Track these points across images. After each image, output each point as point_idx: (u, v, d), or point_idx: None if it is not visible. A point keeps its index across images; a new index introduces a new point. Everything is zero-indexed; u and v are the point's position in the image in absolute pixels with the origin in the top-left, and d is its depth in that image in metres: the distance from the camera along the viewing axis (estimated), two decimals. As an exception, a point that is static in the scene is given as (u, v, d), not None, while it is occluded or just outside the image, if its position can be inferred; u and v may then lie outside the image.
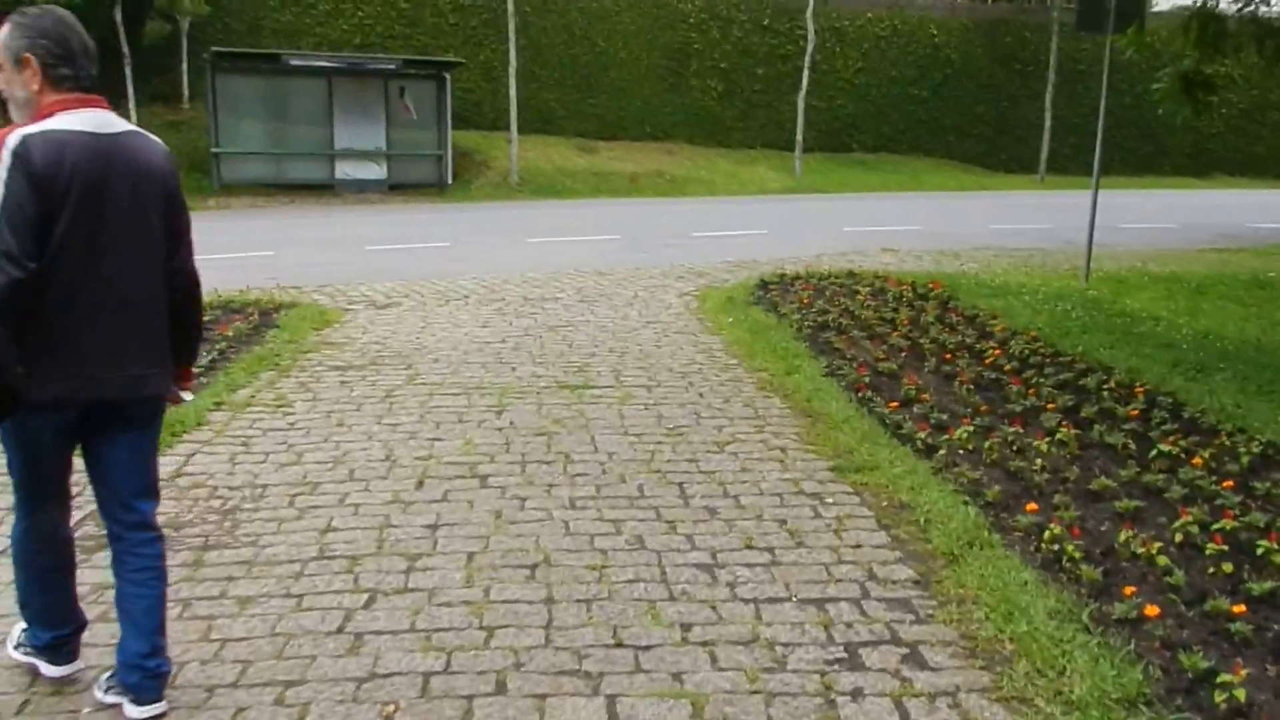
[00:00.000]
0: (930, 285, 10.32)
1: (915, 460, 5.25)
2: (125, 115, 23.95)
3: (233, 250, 14.68)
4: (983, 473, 5.07)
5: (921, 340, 8.03)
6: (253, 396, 6.60)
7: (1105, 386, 6.56)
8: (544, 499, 4.82)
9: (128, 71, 23.36)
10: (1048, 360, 7.39)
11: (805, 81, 28.21)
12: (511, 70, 25.59)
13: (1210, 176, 33.16)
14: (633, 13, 29.58)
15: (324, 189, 24.63)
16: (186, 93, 26.32)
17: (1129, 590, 3.79)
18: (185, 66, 25.99)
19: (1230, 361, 7.53)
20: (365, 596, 3.88)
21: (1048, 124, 30.42)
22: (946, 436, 5.58)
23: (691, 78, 30.17)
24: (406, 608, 3.79)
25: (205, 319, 8.25)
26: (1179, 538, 4.28)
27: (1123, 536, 4.24)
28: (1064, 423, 5.79)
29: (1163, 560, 4.01)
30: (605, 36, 29.39)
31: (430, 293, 10.83)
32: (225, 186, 23.65)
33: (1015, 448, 5.45)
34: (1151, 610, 3.59)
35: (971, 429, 5.60)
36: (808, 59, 28.24)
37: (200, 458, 5.43)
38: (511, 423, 6.00)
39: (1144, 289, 10.84)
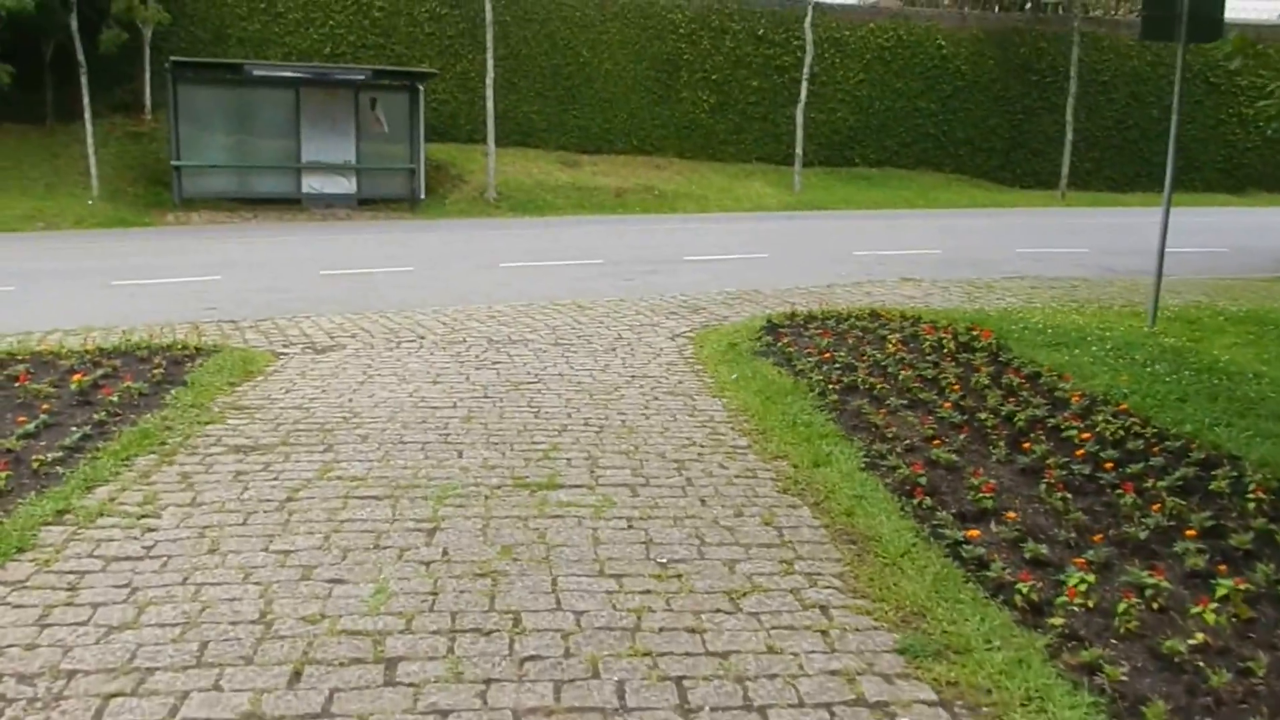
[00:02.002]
0: (973, 330, 8.71)
1: (1019, 633, 3.61)
2: (80, 126, 22.61)
3: (177, 273, 13.12)
4: (1128, 666, 3.42)
5: (980, 412, 6.39)
6: (112, 499, 4.94)
7: (1248, 493, 4.92)
8: (475, 712, 3.17)
9: (84, 81, 21.68)
10: (1151, 445, 5.76)
11: (804, 94, 26.69)
12: (489, 81, 24.08)
13: (1247, 193, 31.52)
14: (619, 22, 28.03)
15: (290, 204, 23.06)
16: (148, 103, 24.64)
17: None
18: (148, 76, 24.34)
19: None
20: None
21: (1069, 137, 28.86)
22: (1056, 590, 3.94)
23: (682, 89, 28.61)
24: None
25: (99, 373, 6.78)
26: None
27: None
28: (1217, 563, 4.15)
29: None
30: (590, 47, 27.84)
31: (381, 331, 9.22)
32: (186, 201, 22.08)
33: (1158, 605, 3.82)
34: None
35: (1090, 576, 3.95)
36: (806, 70, 26.75)
37: (-10, 619, 3.78)
38: (445, 552, 4.33)
39: (1222, 332, 9.24)
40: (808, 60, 26.83)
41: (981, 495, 4.91)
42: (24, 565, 4.22)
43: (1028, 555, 4.26)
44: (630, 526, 4.65)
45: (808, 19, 26.81)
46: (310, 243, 17.67)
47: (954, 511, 4.80)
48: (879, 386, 6.95)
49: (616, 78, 28.07)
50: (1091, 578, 3.92)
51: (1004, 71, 30.62)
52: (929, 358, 7.92)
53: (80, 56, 21.58)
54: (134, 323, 9.62)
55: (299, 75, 23.15)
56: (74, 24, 21.48)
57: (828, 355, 7.84)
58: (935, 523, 4.64)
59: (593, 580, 4.06)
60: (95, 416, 6.13)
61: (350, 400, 6.83)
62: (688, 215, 23.98)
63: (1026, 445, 5.72)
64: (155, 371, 7.26)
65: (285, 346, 8.59)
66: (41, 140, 23.36)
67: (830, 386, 6.94)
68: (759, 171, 28.40)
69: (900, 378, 7.19)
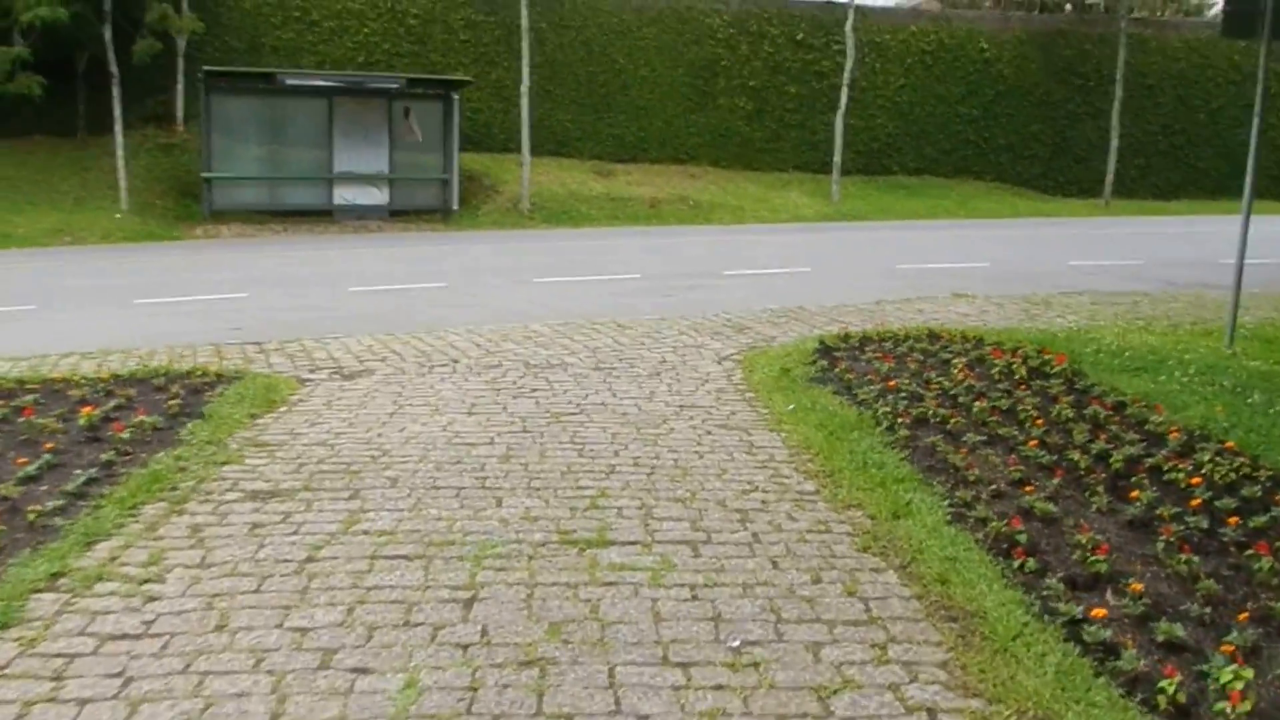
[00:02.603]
0: (1044, 353, 8.08)
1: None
2: (111, 138, 22.34)
3: (202, 290, 12.70)
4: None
5: (1069, 450, 5.78)
6: (113, 559, 4.44)
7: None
8: None
9: (116, 92, 21.39)
10: (1271, 492, 5.14)
11: (844, 100, 26.06)
12: (524, 89, 23.62)
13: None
14: (655, 28, 27.50)
15: (321, 215, 22.68)
16: (181, 114, 24.37)
17: None
18: (181, 87, 24.08)
19: None
20: None
21: (1114, 143, 28.08)
22: (1202, 685, 3.34)
23: (718, 96, 28.04)
24: None
25: (110, 405, 6.28)
26: None
27: None
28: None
29: None
30: (625, 53, 27.33)
31: (412, 354, 8.71)
32: (216, 213, 21.73)
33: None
34: None
35: (1245, 671, 3.35)
36: (847, 75, 26.11)
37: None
38: (484, 631, 3.78)
39: (1311, 354, 8.59)
40: (849, 65, 26.20)
41: (1094, 558, 4.31)
42: (7, 645, 3.70)
43: (1160, 638, 3.66)
44: (694, 597, 4.08)
45: (849, 22, 26.19)
46: (341, 257, 17.24)
47: (1062, 576, 4.21)
48: (952, 420, 6.35)
49: (652, 85, 27.55)
50: (1248, 673, 3.32)
51: (1047, 75, 29.86)
52: (1000, 385, 7.30)
53: (113, 67, 21.32)
54: (155, 344, 9.18)
55: (332, 84, 22.79)
56: (107, 34, 21.22)
57: (889, 381, 7.24)
58: (1044, 592, 4.05)
59: (655, 671, 3.50)
60: (103, 456, 5.64)
61: (379, 435, 6.30)
62: (724, 226, 23.42)
63: (1133, 494, 5.11)
64: (171, 403, 6.76)
65: (311, 372, 8.09)
66: (72, 153, 23.10)
67: (899, 420, 6.34)
68: (795, 181, 27.79)
69: (974, 410, 6.58)
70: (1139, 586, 4.05)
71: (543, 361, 8.39)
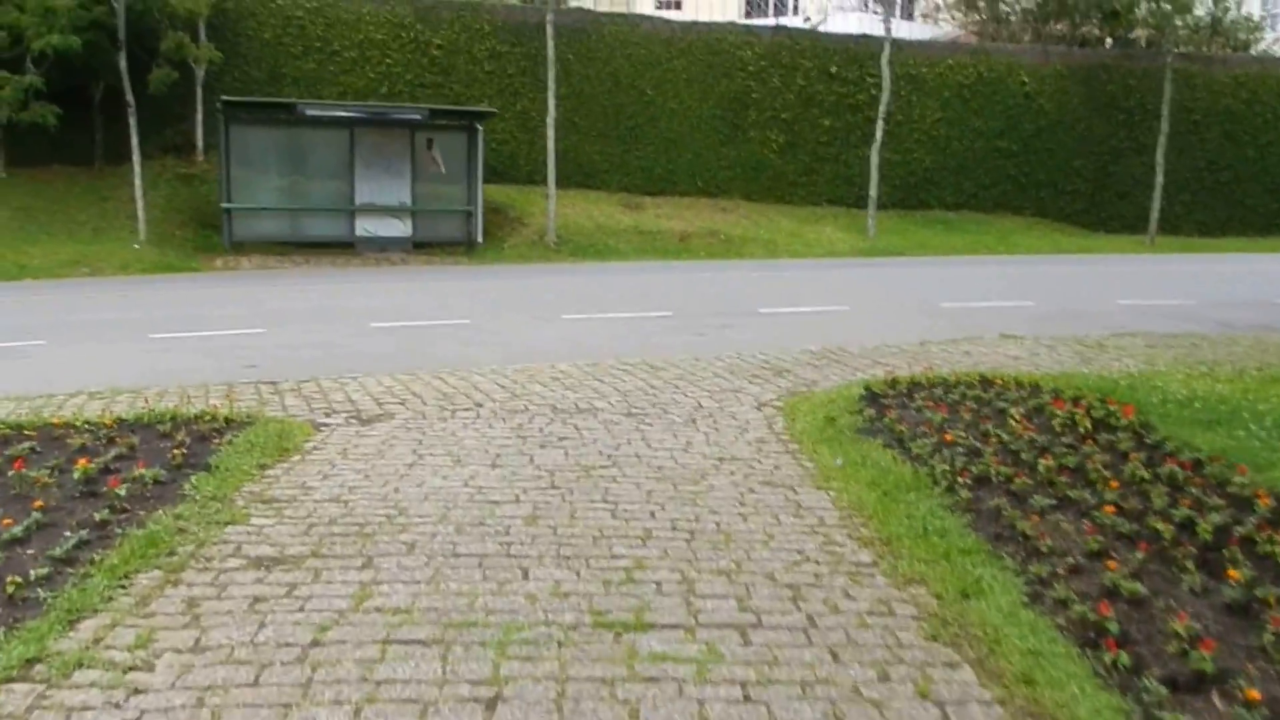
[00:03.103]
0: (1108, 404, 7.54)
1: None
2: (129, 168, 22.14)
3: (218, 325, 12.34)
4: None
5: (1151, 518, 5.26)
6: (97, 640, 3.98)
7: None
8: None
9: (133, 121, 21.19)
10: (1387, 575, 4.61)
11: (880, 133, 25.63)
12: (550, 120, 23.32)
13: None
14: (685, 59, 27.20)
15: (343, 247, 22.43)
16: (201, 144, 24.21)
17: None
18: (200, 117, 23.95)
19: None
20: None
21: (1159, 180, 27.47)
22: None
23: (750, 129, 27.68)
24: None
25: (111, 455, 5.86)
26: None
27: None
28: None
29: None
30: (654, 85, 27.03)
31: (434, 396, 8.26)
32: (236, 244, 21.48)
33: None
34: None
35: None
36: (883, 109, 25.70)
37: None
38: (509, 745, 3.32)
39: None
40: (884, 98, 25.79)
41: (1196, 653, 3.79)
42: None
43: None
44: (747, 698, 3.58)
45: (884, 54, 25.79)
46: (362, 290, 16.90)
47: (1162, 675, 3.69)
48: (1017, 479, 5.82)
49: (682, 117, 27.22)
50: None
51: (1089, 110, 29.34)
52: (1064, 439, 6.77)
53: (129, 96, 21.14)
54: (166, 382, 8.80)
55: (353, 115, 22.58)
56: (122, 63, 21.06)
57: (944, 433, 6.72)
58: (1145, 697, 3.54)
59: (708, 797, 3.01)
60: (97, 515, 5.19)
61: (396, 490, 5.84)
62: (755, 261, 23.00)
63: (1230, 573, 4.58)
64: (176, 452, 6.30)
65: (327, 415, 7.66)
66: (90, 183, 22.94)
67: (958, 479, 5.83)
68: (829, 215, 27.37)
69: (1039, 468, 6.04)
70: (1256, 694, 3.52)
71: (571, 406, 7.93)
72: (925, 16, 41.45)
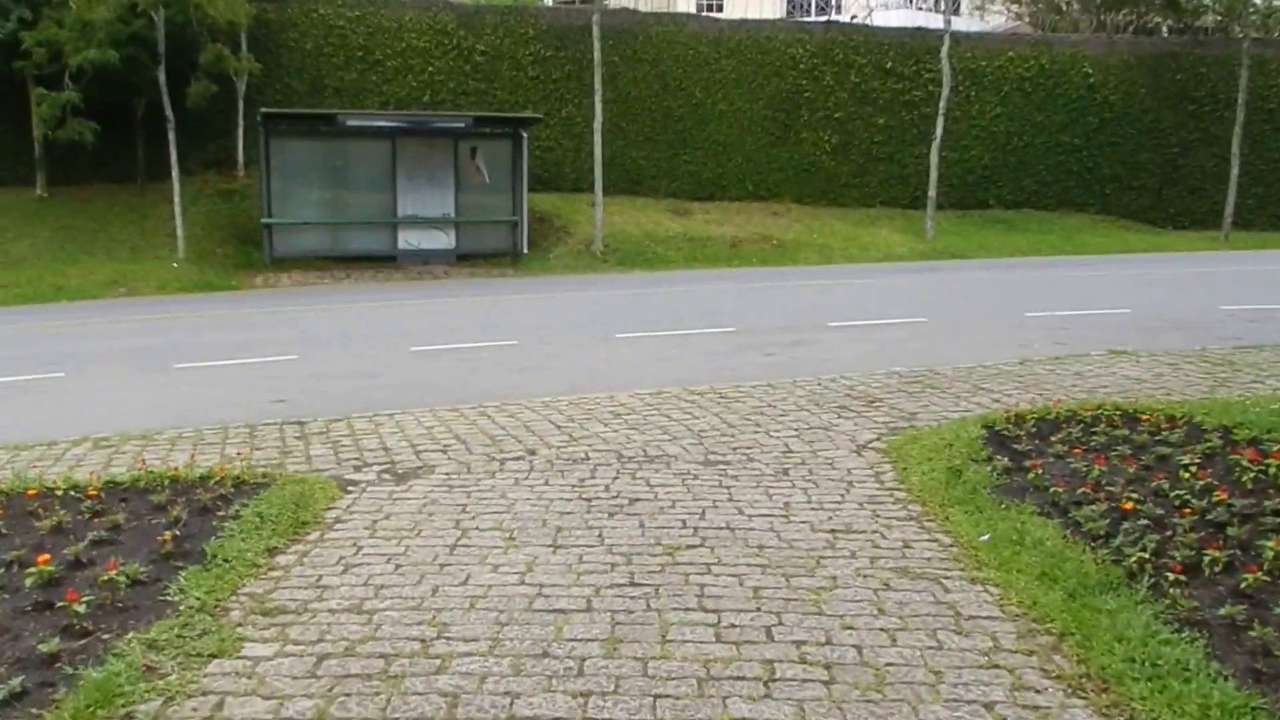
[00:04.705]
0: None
1: None
2: (169, 184, 21.44)
3: (249, 351, 11.48)
4: None
5: None
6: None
7: None
8: None
9: (172, 137, 20.46)
10: None
11: (939, 130, 24.41)
12: (597, 125, 22.38)
13: None
14: (734, 59, 26.13)
15: (385, 261, 21.57)
16: (241, 159, 23.51)
17: None
18: (241, 131, 23.24)
19: None
20: None
21: (1234, 173, 25.99)
22: None
23: (801, 130, 26.56)
24: None
25: (84, 543, 4.75)
26: None
27: None
28: None
29: None
30: (703, 87, 25.98)
31: (479, 441, 7.19)
32: (277, 261, 20.70)
33: None
34: None
35: None
36: (943, 104, 24.48)
37: None
38: None
39: None
40: (944, 94, 24.54)
41: None
42: None
43: None
44: None
45: (944, 48, 24.56)
46: (403, 309, 16.00)
47: None
48: (1248, 576, 4.25)
49: (731, 119, 26.14)
50: None
51: (1157, 101, 27.89)
52: (1272, 501, 5.26)
53: (168, 111, 20.45)
54: (184, 421, 7.89)
55: (395, 125, 21.74)
56: (162, 77, 20.35)
57: (1127, 506, 5.14)
58: None
59: None
60: (44, 647, 3.84)
61: (434, 593, 4.54)
62: (811, 267, 21.87)
63: None
64: (168, 535, 5.01)
65: (358, 469, 6.58)
66: (131, 200, 22.28)
67: (1164, 571, 4.34)
68: (884, 217, 26.18)
69: (1265, 553, 4.48)
70: None
71: (639, 452, 6.84)
72: (977, 8, 40.12)
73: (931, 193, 24.63)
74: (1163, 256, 23.04)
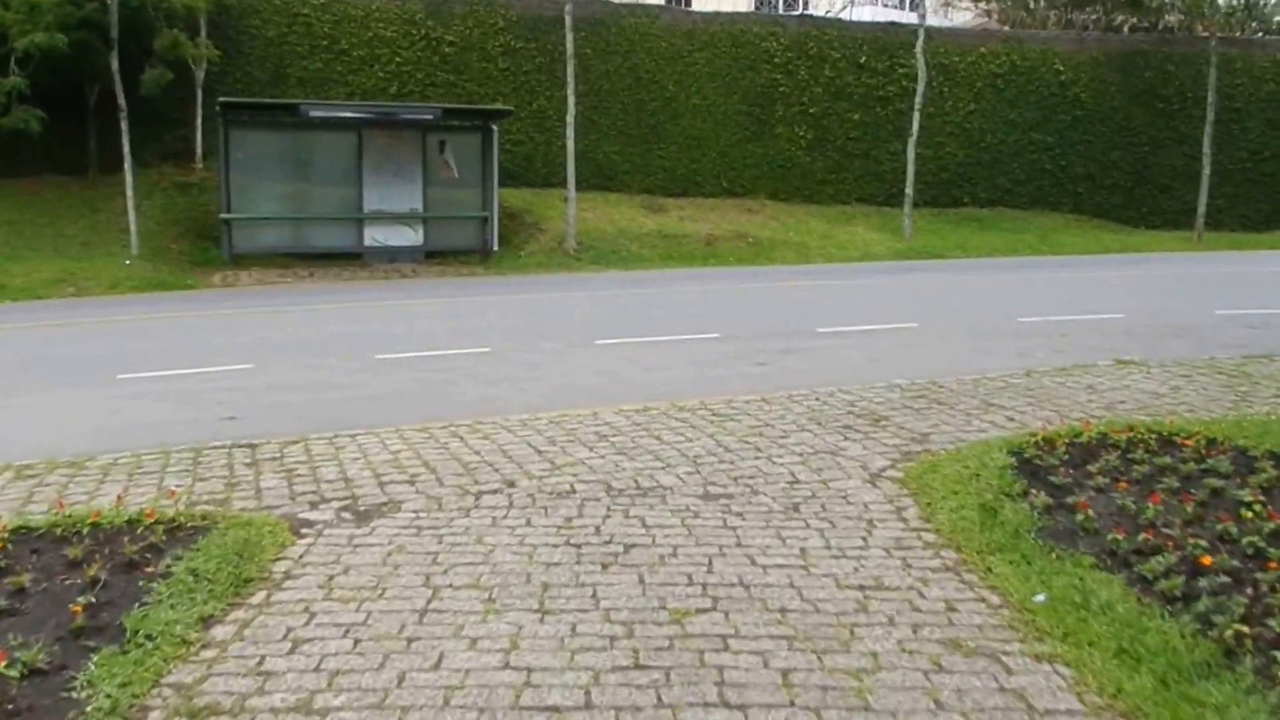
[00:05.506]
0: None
1: None
2: (122, 177, 20.50)
3: (202, 359, 10.76)
4: None
5: None
6: None
7: None
8: None
9: (124, 126, 19.54)
10: None
11: (915, 126, 23.96)
12: (569, 119, 21.73)
13: None
14: (708, 52, 25.56)
15: (350, 258, 20.81)
16: (200, 151, 22.57)
17: None
18: (199, 121, 22.32)
19: None
20: None
21: (1206, 172, 25.74)
22: None
23: (776, 125, 26.04)
24: None
25: None
26: None
27: None
28: None
29: None
30: (676, 80, 25.39)
31: (451, 470, 6.47)
32: (237, 257, 19.88)
33: None
34: None
35: None
36: (919, 100, 24.07)
37: None
38: None
39: None
40: (920, 89, 24.11)
41: None
42: None
43: None
44: None
45: (919, 43, 24.13)
46: (369, 310, 15.29)
47: None
48: None
49: (705, 113, 25.56)
50: None
51: (1127, 99, 27.60)
52: None
53: (121, 99, 19.53)
54: (121, 443, 7.20)
55: (361, 116, 20.92)
56: (114, 64, 19.43)
57: (1205, 560, 4.50)
58: None
59: None
60: None
61: (400, 683, 3.76)
62: (789, 267, 21.37)
63: None
64: (80, 604, 4.22)
65: (314, 505, 5.81)
66: (82, 193, 21.31)
67: (1268, 648, 3.76)
68: (860, 214, 25.72)
69: None
70: None
71: (630, 483, 6.18)
72: (943, 4, 39.68)
73: (908, 190, 24.23)
74: (1140, 257, 22.76)
